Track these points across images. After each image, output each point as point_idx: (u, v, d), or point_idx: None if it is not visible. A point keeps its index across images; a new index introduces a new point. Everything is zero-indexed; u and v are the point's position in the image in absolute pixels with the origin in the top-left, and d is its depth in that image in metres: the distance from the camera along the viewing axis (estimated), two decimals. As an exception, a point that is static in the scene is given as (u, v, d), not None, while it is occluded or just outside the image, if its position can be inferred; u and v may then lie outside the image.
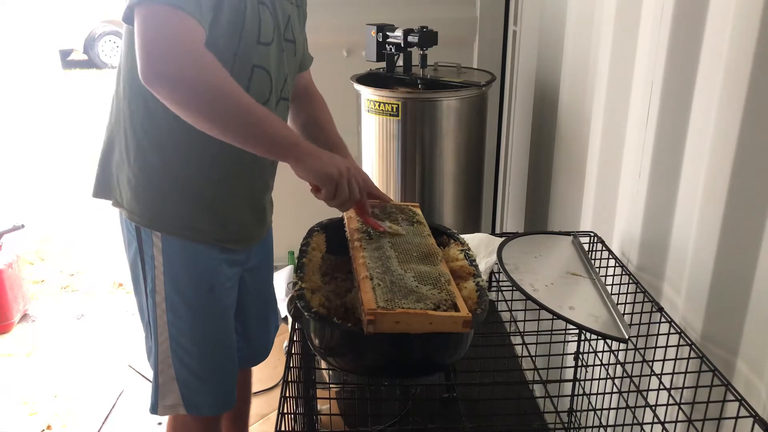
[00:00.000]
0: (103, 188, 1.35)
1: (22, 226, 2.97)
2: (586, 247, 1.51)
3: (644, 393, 1.14)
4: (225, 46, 1.18)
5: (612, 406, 1.39)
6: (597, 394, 1.40)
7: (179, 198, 1.28)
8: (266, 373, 2.39)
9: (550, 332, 1.37)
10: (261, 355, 1.65)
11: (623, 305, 1.34)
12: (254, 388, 2.25)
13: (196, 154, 1.24)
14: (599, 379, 1.47)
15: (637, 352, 1.22)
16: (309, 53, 1.55)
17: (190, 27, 1.06)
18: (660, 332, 1.27)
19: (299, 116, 1.51)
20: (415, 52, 2.25)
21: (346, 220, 1.26)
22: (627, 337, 1.12)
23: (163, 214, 1.28)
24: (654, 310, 1.29)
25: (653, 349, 1.25)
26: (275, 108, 1.33)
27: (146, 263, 1.31)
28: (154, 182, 1.27)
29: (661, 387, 1.14)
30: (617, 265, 1.46)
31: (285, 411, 1.05)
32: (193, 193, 1.28)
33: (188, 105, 1.08)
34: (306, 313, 1.01)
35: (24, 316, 2.97)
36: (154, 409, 1.39)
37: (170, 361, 1.35)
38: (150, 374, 1.40)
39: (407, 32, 2.13)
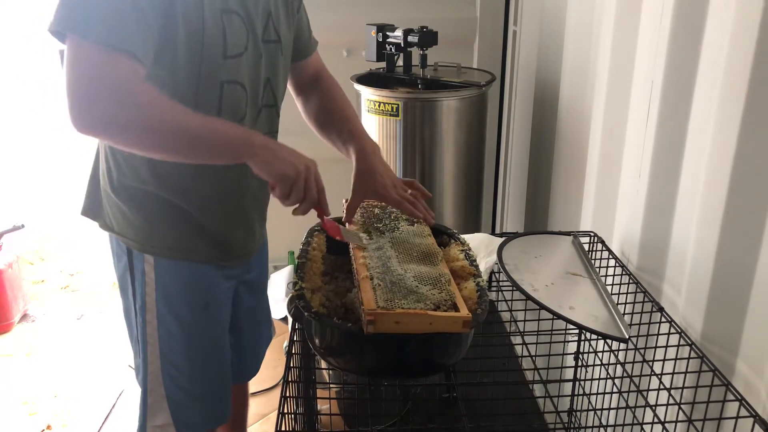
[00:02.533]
0: (91, 208, 1.31)
1: (22, 226, 2.97)
2: (586, 247, 1.51)
3: (644, 393, 1.14)
4: (186, 68, 1.11)
5: (612, 406, 1.39)
6: (597, 394, 1.40)
7: (166, 221, 1.23)
8: (266, 373, 2.39)
9: (550, 332, 1.37)
10: (251, 370, 1.61)
11: (623, 305, 1.34)
12: (254, 388, 2.25)
13: (177, 177, 1.19)
14: (599, 379, 1.47)
15: (637, 352, 1.22)
16: (314, 38, 1.45)
17: (121, 64, 0.99)
18: (660, 332, 1.27)
19: (310, 108, 1.42)
20: (415, 52, 2.25)
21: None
22: (627, 337, 1.12)
23: (153, 236, 1.23)
24: (654, 310, 1.29)
25: (653, 349, 1.25)
26: (256, 119, 1.25)
27: (136, 279, 1.26)
28: (139, 205, 1.22)
29: (661, 387, 1.14)
30: (617, 265, 1.46)
31: (285, 411, 1.05)
32: (180, 216, 1.23)
33: (125, 144, 1.04)
34: (306, 313, 1.01)
35: (24, 316, 2.97)
36: (142, 431, 1.35)
37: (160, 379, 1.30)
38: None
39: (407, 32, 2.13)
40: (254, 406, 2.21)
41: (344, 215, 1.26)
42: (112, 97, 0.99)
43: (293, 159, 1.09)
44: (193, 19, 1.08)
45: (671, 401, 1.12)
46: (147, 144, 1.04)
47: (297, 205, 1.11)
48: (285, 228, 1.70)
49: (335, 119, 1.37)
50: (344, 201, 1.32)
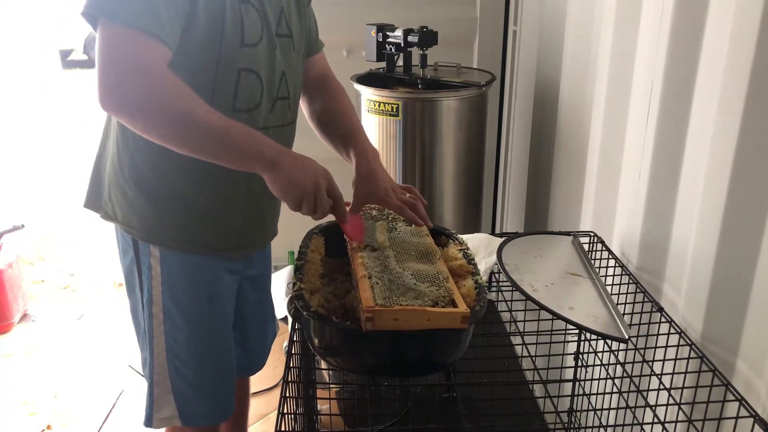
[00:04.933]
0: (93, 200, 1.32)
1: (22, 226, 2.97)
2: (586, 247, 1.51)
3: (644, 393, 1.14)
4: (205, 53, 1.13)
5: (612, 406, 1.39)
6: (597, 394, 1.40)
7: (175, 210, 1.24)
8: (266, 373, 2.38)
9: (550, 332, 1.37)
10: (257, 364, 1.63)
11: (623, 305, 1.34)
12: (254, 388, 2.25)
13: (188, 165, 1.19)
14: (599, 379, 1.47)
15: (637, 352, 1.22)
16: (320, 40, 1.47)
17: (149, 49, 1.02)
18: (660, 332, 1.27)
19: (314, 109, 1.43)
20: (415, 52, 2.25)
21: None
22: (627, 337, 1.12)
23: (160, 227, 1.25)
24: (654, 310, 1.29)
25: (653, 349, 1.25)
26: (270, 110, 1.26)
27: (143, 273, 1.27)
28: (149, 195, 1.23)
29: (661, 387, 1.14)
30: (617, 265, 1.46)
31: (285, 411, 1.04)
32: (189, 205, 1.25)
33: (144, 130, 1.06)
34: (305, 313, 1.01)
35: (24, 316, 2.97)
36: (149, 422, 1.35)
37: (166, 372, 1.32)
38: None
39: (407, 32, 2.13)
40: (254, 406, 2.21)
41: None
42: (135, 80, 1.01)
43: (302, 177, 1.09)
44: (215, 5, 1.11)
45: (671, 401, 1.12)
46: (162, 131, 1.06)
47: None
48: (285, 228, 1.70)
49: (338, 122, 1.39)
50: None
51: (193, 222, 1.26)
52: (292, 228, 1.62)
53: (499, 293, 1.49)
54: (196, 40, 1.11)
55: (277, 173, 1.08)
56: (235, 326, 1.43)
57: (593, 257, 1.52)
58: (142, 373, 1.38)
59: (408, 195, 1.28)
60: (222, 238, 1.30)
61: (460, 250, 1.20)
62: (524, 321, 1.41)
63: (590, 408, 1.51)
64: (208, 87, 1.16)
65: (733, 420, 1.02)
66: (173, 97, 1.03)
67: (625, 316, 1.28)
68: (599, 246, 1.54)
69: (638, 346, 1.22)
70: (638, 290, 1.35)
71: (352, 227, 1.18)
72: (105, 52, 1.01)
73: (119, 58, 1.01)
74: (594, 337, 1.30)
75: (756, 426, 0.99)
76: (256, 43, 1.19)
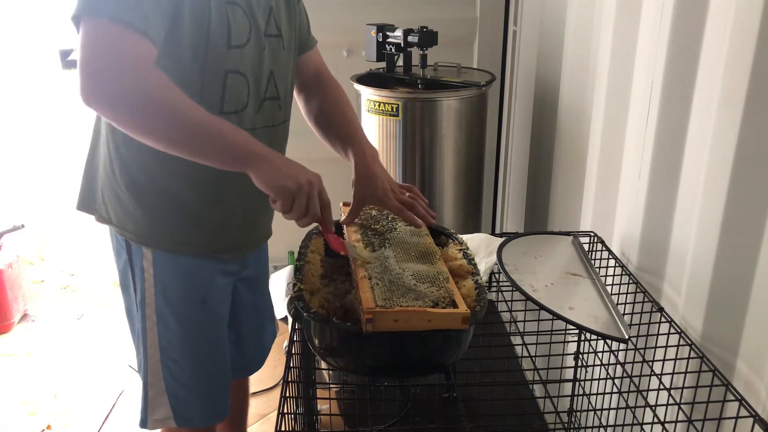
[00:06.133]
0: (87, 202, 1.31)
1: (22, 226, 2.97)
2: (586, 247, 1.51)
3: (644, 393, 1.14)
4: (191, 56, 1.11)
5: (612, 406, 1.39)
6: (597, 394, 1.40)
7: (169, 213, 1.24)
8: (266, 373, 2.39)
9: (550, 332, 1.37)
10: (255, 365, 1.62)
11: (623, 305, 1.34)
12: (254, 388, 2.25)
13: (180, 167, 1.17)
14: (599, 379, 1.47)
15: (637, 352, 1.22)
16: (313, 36, 1.45)
17: (133, 43, 1.00)
18: (660, 332, 1.27)
19: (311, 108, 1.42)
20: (415, 52, 2.25)
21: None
22: (627, 337, 1.12)
23: (154, 229, 1.24)
24: (654, 310, 1.29)
25: (653, 349, 1.25)
26: (258, 111, 1.24)
27: (136, 275, 1.27)
28: (141, 198, 1.22)
29: (661, 387, 1.14)
30: (617, 265, 1.46)
31: (285, 411, 1.04)
32: (182, 208, 1.24)
33: (129, 125, 1.04)
34: (305, 314, 1.01)
35: (24, 316, 2.97)
36: (144, 424, 1.36)
37: (160, 374, 1.31)
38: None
39: (407, 32, 2.13)
40: (254, 406, 2.21)
41: (343, 219, 1.27)
42: (120, 74, 0.99)
43: (295, 173, 1.07)
44: (200, 8, 1.10)
45: (671, 401, 1.12)
46: (148, 128, 1.04)
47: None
48: (285, 228, 1.70)
49: (335, 122, 1.37)
50: (341, 204, 1.32)
51: (186, 224, 1.26)
52: (292, 228, 1.61)
53: (499, 293, 1.49)
54: (182, 44, 1.10)
55: (268, 167, 1.06)
56: (230, 327, 1.43)
57: (593, 257, 1.52)
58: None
59: (407, 194, 1.28)
60: (215, 240, 1.29)
61: (460, 250, 1.20)
62: (524, 321, 1.41)
63: (590, 408, 1.51)
64: (195, 90, 1.14)
65: (733, 420, 1.02)
66: (157, 90, 1.01)
67: (625, 316, 1.28)
68: (599, 246, 1.54)
69: (638, 346, 1.22)
70: (638, 290, 1.35)
71: (336, 240, 1.16)
72: (87, 45, 0.99)
73: (102, 49, 0.99)
74: (594, 337, 1.30)
75: (756, 426, 0.99)
76: (243, 44, 1.18)
